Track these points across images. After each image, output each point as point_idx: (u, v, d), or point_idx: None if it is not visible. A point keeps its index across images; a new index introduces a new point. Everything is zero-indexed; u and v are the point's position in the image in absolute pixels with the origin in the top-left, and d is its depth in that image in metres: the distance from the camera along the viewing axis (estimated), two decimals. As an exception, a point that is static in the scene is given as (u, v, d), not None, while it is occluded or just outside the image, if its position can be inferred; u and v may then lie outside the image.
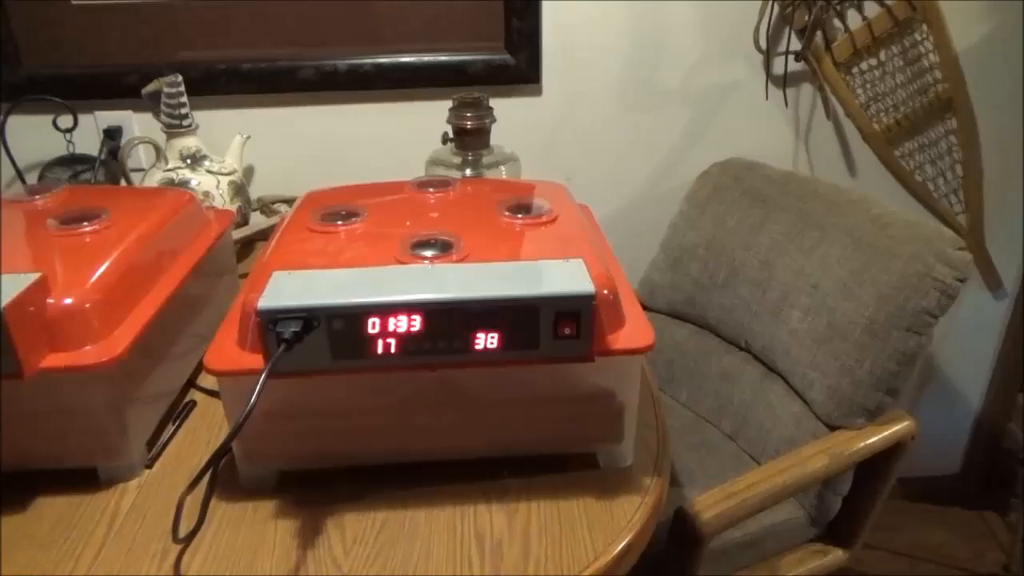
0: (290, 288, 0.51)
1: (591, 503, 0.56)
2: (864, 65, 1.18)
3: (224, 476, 0.58)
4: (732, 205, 1.08)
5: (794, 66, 1.17)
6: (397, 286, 0.50)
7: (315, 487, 0.57)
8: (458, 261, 0.56)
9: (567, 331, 0.50)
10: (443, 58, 1.10)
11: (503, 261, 0.57)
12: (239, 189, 1.02)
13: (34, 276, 0.54)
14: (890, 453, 0.86)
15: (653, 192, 1.25)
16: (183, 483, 0.58)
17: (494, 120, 0.96)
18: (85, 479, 0.58)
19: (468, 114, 0.94)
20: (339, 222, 0.65)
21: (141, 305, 0.62)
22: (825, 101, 1.19)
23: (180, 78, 0.97)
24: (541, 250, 0.60)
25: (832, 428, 0.88)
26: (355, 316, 0.49)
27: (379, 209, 0.68)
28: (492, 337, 0.50)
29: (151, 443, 0.62)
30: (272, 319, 0.48)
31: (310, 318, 0.48)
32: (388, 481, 0.57)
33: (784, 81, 1.18)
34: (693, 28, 1.14)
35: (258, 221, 1.04)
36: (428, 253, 0.57)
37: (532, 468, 0.58)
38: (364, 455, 0.58)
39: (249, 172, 1.17)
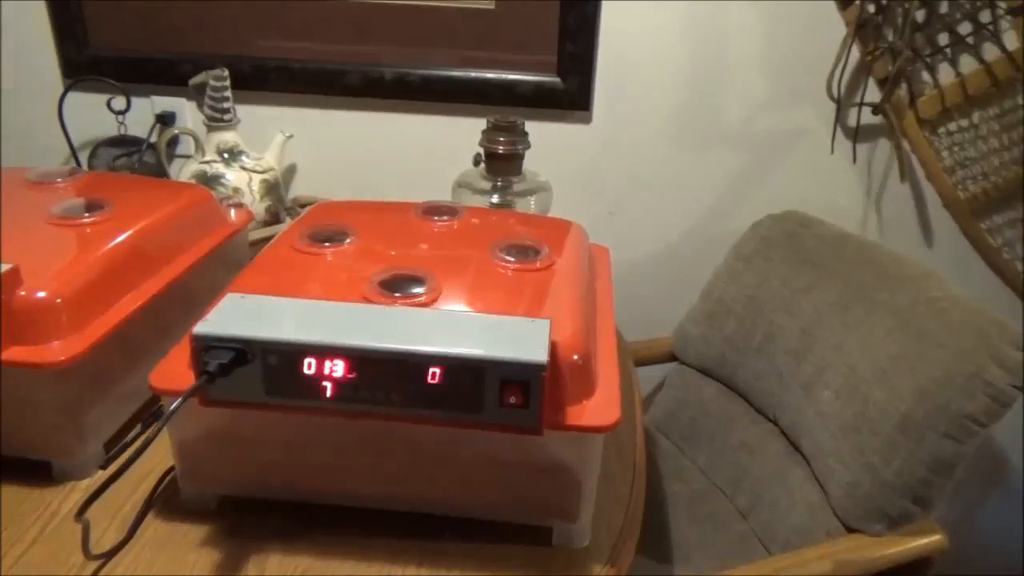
0: (236, 314, 0.49)
1: (530, 586, 0.51)
2: (953, 126, 1.07)
3: (168, 493, 0.56)
4: (779, 263, 1.00)
5: (868, 119, 1.07)
6: (339, 327, 0.47)
7: (251, 517, 0.55)
8: (424, 304, 0.53)
9: (512, 400, 0.46)
10: (491, 75, 1.07)
11: (467, 310, 0.53)
12: (271, 188, 1.02)
13: (5, 267, 0.54)
14: (914, 568, 0.77)
15: (700, 236, 1.17)
16: (131, 489, 0.58)
17: (528, 146, 0.92)
18: (40, 472, 0.58)
19: (501, 138, 0.90)
20: (325, 243, 0.63)
21: (122, 302, 0.62)
22: (901, 161, 1.09)
23: (226, 72, 0.98)
24: (517, 301, 0.56)
25: (850, 530, 0.79)
26: (290, 354, 0.46)
27: (371, 233, 0.65)
28: (430, 394, 0.46)
29: (113, 443, 0.62)
30: (206, 346, 0.46)
31: (244, 350, 0.46)
32: (324, 521, 0.54)
33: (856, 134, 1.08)
34: (759, 67, 1.06)
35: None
36: (396, 293, 0.54)
37: (479, 534, 0.54)
38: (301, 491, 0.55)
39: (291, 171, 1.17)
